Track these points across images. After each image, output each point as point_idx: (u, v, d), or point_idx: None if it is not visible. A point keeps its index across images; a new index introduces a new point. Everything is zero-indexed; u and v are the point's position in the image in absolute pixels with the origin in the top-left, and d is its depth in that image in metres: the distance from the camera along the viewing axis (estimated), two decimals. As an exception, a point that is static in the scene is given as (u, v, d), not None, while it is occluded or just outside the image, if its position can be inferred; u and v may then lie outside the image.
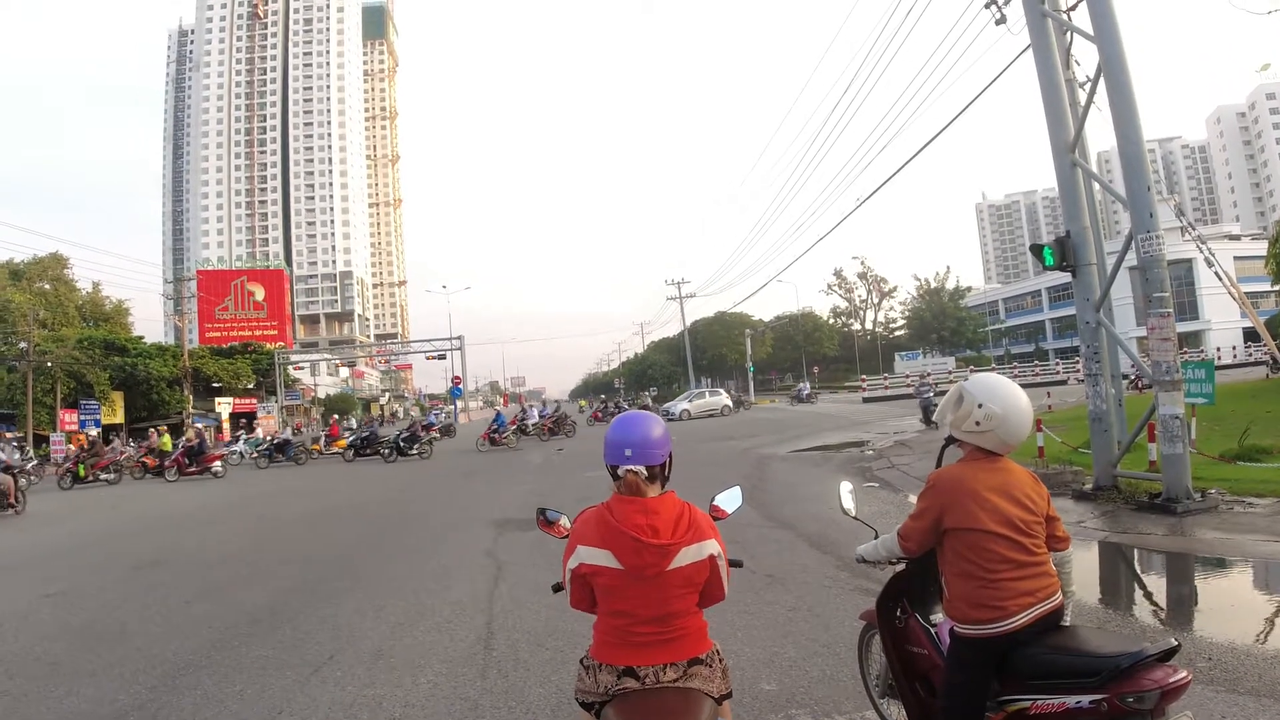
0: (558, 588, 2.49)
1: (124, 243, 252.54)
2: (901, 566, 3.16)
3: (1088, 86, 9.57)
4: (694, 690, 2.25)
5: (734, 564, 2.67)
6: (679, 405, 41.27)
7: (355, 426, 38.78)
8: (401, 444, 25.62)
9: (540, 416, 32.34)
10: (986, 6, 11.32)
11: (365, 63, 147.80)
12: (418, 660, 5.16)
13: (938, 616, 2.98)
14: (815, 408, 40.98)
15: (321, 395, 75.47)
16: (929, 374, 37.45)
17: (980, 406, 2.62)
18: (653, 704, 2.21)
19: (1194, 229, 14.42)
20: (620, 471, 2.31)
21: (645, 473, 2.31)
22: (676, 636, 2.27)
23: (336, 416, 41.05)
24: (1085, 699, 2.30)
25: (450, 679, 4.78)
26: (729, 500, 2.92)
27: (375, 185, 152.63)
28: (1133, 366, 9.91)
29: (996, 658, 2.51)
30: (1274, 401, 17.13)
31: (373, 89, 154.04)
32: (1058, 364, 55.44)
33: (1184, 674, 2.24)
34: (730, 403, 42.06)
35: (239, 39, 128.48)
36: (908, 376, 48.78)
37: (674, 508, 2.30)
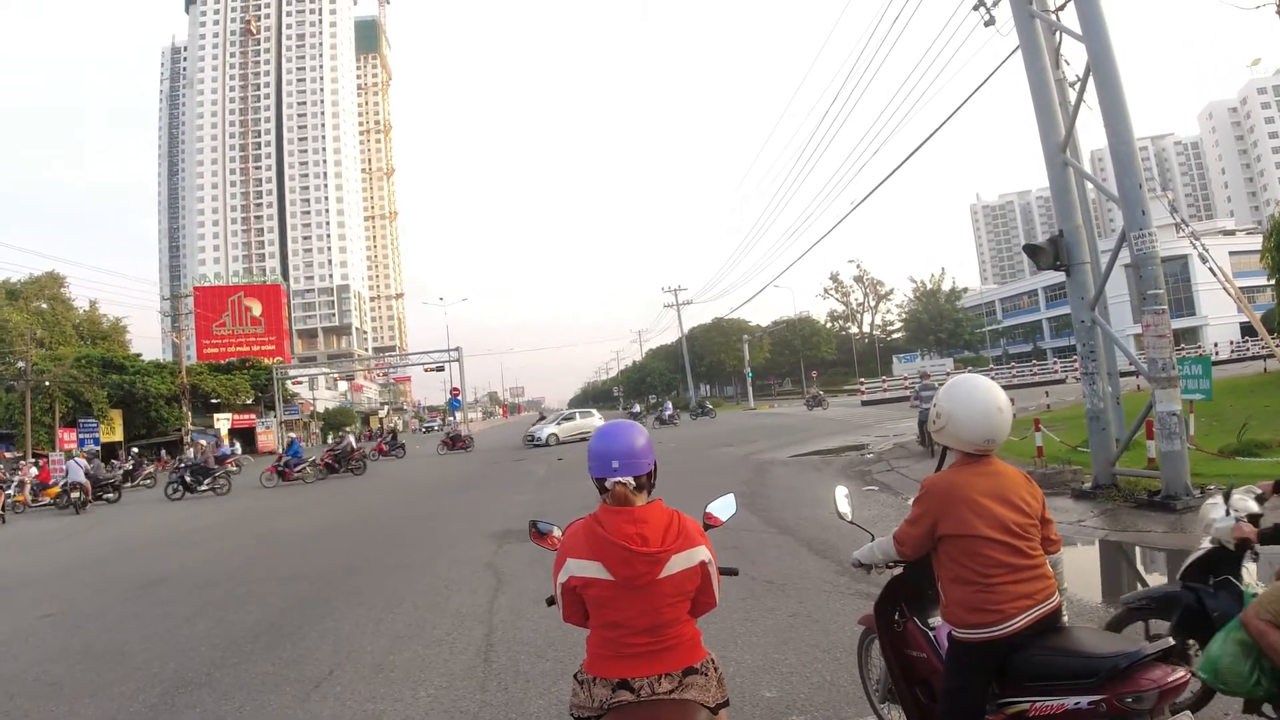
0: (550, 601, 2.48)
1: (121, 261, 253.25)
2: (899, 570, 3.15)
3: (1078, 85, 9.60)
4: (690, 701, 2.23)
5: (729, 572, 2.66)
6: (545, 429, 35.53)
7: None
8: (189, 479, 21.91)
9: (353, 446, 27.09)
10: (975, 9, 11.37)
11: (359, 77, 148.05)
12: (417, 674, 5.15)
13: (936, 620, 2.97)
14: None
15: (320, 409, 75.33)
16: (930, 376, 36.36)
17: (934, 405, 2.67)
18: (648, 716, 2.20)
19: (1188, 225, 14.44)
20: (608, 483, 2.30)
21: (633, 483, 2.30)
22: (670, 646, 2.26)
23: (56, 454, 30.02)
24: (1084, 700, 2.29)
25: (450, 692, 4.76)
26: (723, 508, 2.91)
27: (371, 198, 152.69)
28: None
29: (995, 661, 2.51)
30: (1272, 396, 17.14)
31: (366, 103, 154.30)
32: (1055, 363, 55.45)
33: (1182, 673, 2.24)
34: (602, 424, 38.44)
35: (232, 55, 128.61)
36: (905, 379, 48.56)
37: (662, 515, 2.29)
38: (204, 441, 27.01)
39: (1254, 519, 3.17)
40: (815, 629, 5.31)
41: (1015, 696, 2.49)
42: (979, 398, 2.57)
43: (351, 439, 28.14)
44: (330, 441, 26.76)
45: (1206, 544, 3.31)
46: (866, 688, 3.68)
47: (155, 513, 19.04)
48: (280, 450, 27.02)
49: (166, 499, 21.92)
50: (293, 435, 28.86)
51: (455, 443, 35.29)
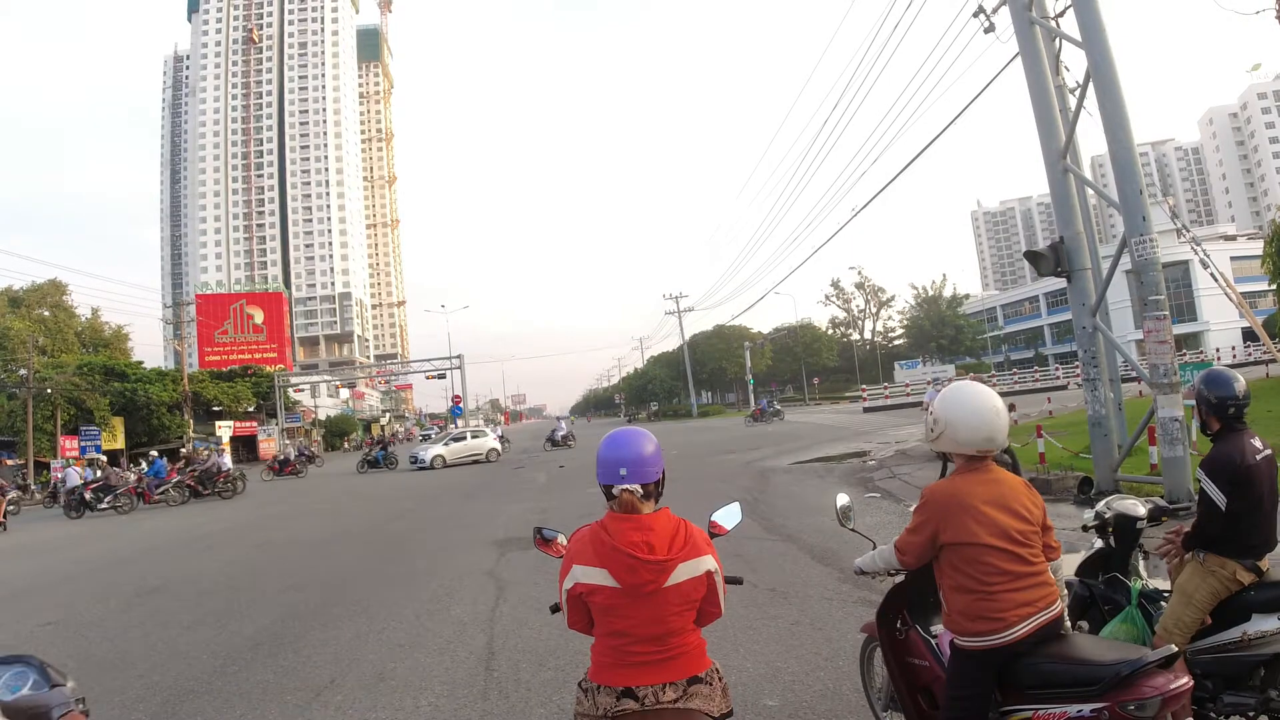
0: (555, 609, 2.47)
1: (123, 268, 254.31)
2: (901, 578, 3.15)
3: (1078, 92, 9.63)
4: (694, 710, 2.23)
5: (734, 581, 2.65)
6: (430, 450, 31.15)
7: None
8: (89, 497, 20.48)
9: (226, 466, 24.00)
10: (975, 15, 11.41)
11: (360, 85, 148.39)
12: (419, 682, 5.13)
13: (938, 628, 2.97)
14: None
15: (322, 417, 75.36)
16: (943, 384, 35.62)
17: (930, 413, 2.67)
18: None
19: (1189, 230, 14.44)
20: (615, 490, 2.29)
21: (641, 491, 2.29)
22: (675, 655, 2.25)
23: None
24: (1086, 708, 2.29)
25: (451, 701, 4.75)
26: (728, 517, 2.90)
27: (373, 206, 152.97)
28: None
29: (997, 669, 2.50)
30: (1275, 401, 17.10)
31: (368, 111, 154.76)
32: (1057, 369, 55.46)
33: (1185, 680, 2.23)
34: (498, 446, 32.39)
35: (234, 63, 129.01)
36: (907, 386, 48.54)
37: (669, 524, 2.28)
38: (103, 457, 25.15)
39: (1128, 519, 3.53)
40: (818, 637, 5.29)
41: (1018, 704, 2.48)
42: (975, 401, 2.57)
43: (222, 458, 24.51)
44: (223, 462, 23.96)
45: (1096, 543, 3.61)
46: (869, 696, 3.67)
47: (154, 520, 19.02)
48: (143, 470, 24.28)
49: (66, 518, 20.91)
50: (154, 453, 24.92)
51: (283, 467, 30.30)
